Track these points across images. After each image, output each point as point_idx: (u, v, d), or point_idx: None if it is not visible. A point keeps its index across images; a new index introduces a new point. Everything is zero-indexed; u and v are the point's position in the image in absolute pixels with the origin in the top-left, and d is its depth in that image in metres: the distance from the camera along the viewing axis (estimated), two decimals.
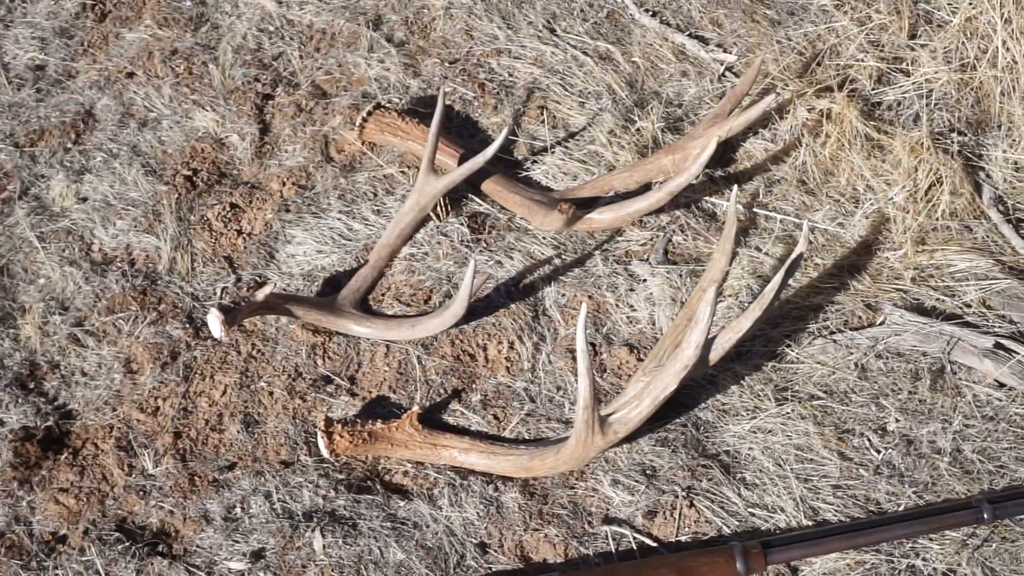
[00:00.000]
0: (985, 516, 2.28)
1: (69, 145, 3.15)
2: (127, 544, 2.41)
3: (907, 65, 3.08)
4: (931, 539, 2.30)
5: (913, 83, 3.03)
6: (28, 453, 2.57)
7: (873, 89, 3.06)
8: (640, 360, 2.62)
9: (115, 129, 3.17)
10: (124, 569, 2.37)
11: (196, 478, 2.53)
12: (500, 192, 2.91)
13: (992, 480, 2.40)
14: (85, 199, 3.04)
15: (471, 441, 2.50)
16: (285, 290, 2.82)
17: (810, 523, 2.36)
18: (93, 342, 2.77)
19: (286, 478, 2.50)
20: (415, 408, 2.53)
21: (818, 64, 3.12)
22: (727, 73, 3.16)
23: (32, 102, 3.25)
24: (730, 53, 3.19)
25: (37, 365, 2.74)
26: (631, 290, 2.76)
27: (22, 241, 2.94)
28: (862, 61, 3.09)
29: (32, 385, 2.71)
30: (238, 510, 2.47)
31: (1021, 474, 2.40)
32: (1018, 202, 2.83)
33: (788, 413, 2.51)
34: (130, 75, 3.29)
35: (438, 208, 2.87)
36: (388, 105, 3.10)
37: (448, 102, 3.12)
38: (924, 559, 2.29)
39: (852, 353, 2.61)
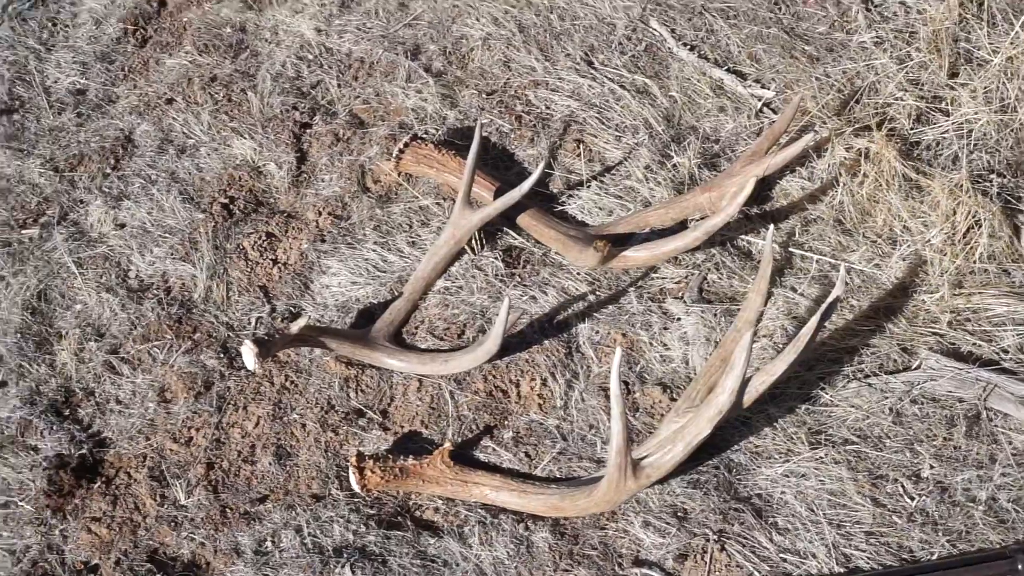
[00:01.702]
0: (1020, 567, 2.26)
1: (108, 171, 3.16)
2: None
3: (947, 105, 3.06)
4: None
5: (952, 123, 3.00)
6: (62, 481, 2.58)
7: (912, 128, 3.03)
8: (673, 400, 2.60)
9: (154, 155, 3.18)
10: None
11: (227, 510, 2.53)
12: (536, 226, 2.90)
13: None
14: (123, 225, 3.05)
15: (502, 479, 2.49)
16: (319, 321, 2.82)
17: (842, 570, 2.34)
18: (128, 370, 2.77)
19: (317, 512, 2.50)
20: (447, 444, 2.53)
21: (857, 102, 3.10)
22: (765, 109, 3.14)
23: (72, 126, 3.27)
24: (768, 89, 3.17)
25: (72, 392, 2.75)
26: (665, 328, 2.74)
27: (60, 266, 2.96)
28: (901, 100, 3.07)
29: (67, 412, 2.72)
30: (269, 544, 2.46)
31: None
32: None
33: (821, 457, 2.49)
34: (169, 101, 3.30)
35: (473, 241, 2.87)
36: (425, 136, 3.09)
37: (485, 134, 3.12)
38: None
39: (887, 397, 2.58)
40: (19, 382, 2.76)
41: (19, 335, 2.84)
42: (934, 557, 2.34)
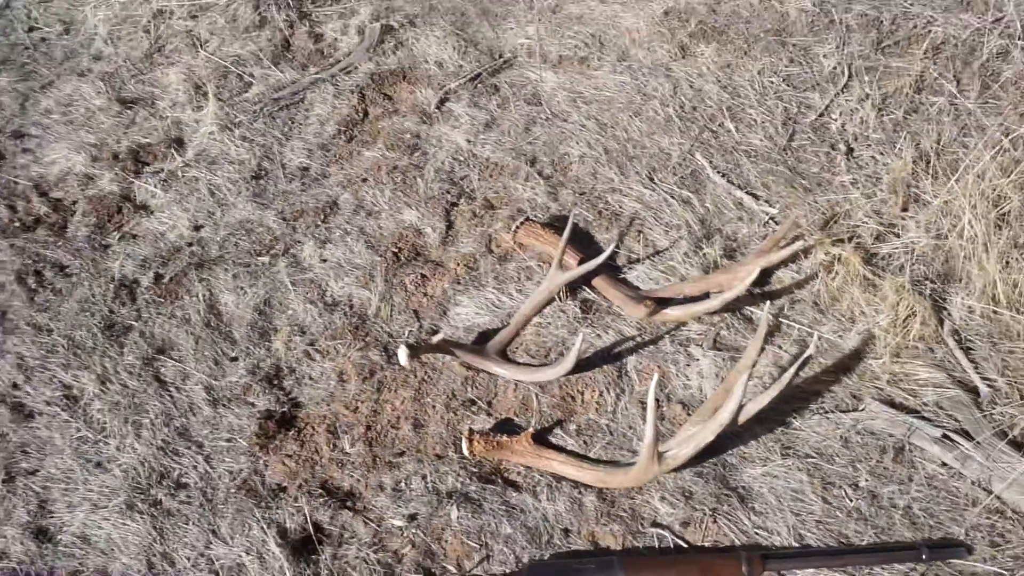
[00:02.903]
0: (923, 557, 2.25)
1: (319, 223, 3.25)
2: (327, 498, 2.48)
3: (898, 230, 3.04)
4: (883, 568, 2.26)
5: (902, 243, 2.99)
6: (268, 428, 2.66)
7: (872, 244, 3.02)
8: (689, 415, 2.62)
9: (350, 215, 3.26)
10: (323, 515, 2.44)
11: (377, 459, 2.58)
12: (604, 287, 2.93)
13: (931, 531, 2.35)
14: (325, 260, 3.13)
15: (566, 457, 2.52)
16: (451, 337, 2.86)
17: (797, 545, 2.33)
18: (319, 357, 2.85)
19: (437, 467, 2.54)
20: (530, 429, 2.56)
21: (835, 222, 3.10)
22: (770, 221, 3.15)
23: (298, 191, 3.36)
24: (774, 207, 3.18)
25: (281, 369, 2.83)
26: (688, 365, 2.75)
27: (280, 284, 3.04)
28: (866, 223, 3.06)
29: (276, 382, 2.80)
30: (403, 485, 2.51)
31: (952, 530, 2.34)
32: (968, 335, 2.77)
33: (789, 465, 2.49)
34: (364, 180, 3.39)
35: (561, 293, 2.90)
36: (534, 219, 3.14)
37: (575, 221, 3.16)
38: None
39: (839, 428, 2.57)
40: (246, 358, 2.84)
41: (249, 327, 2.92)
42: (864, 543, 2.33)
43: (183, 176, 3.40)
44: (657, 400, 2.65)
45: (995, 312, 2.78)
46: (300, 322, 2.94)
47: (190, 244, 3.17)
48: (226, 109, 3.62)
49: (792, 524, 2.37)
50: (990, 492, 2.39)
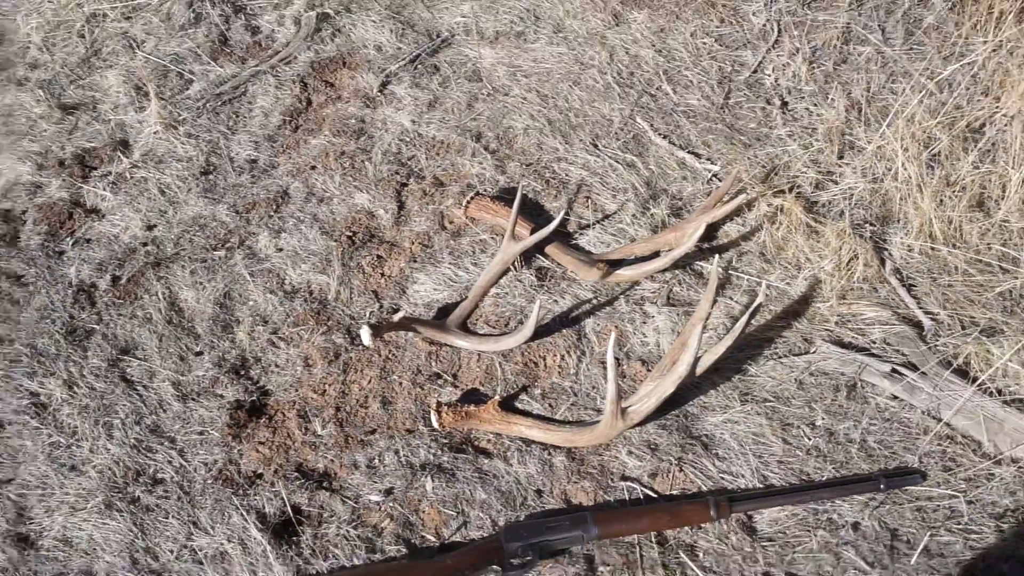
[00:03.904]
0: (882, 487, 2.32)
1: (271, 213, 3.22)
2: (303, 480, 2.48)
3: (836, 177, 3.10)
4: (844, 500, 2.34)
5: (840, 190, 3.05)
6: (239, 417, 2.65)
7: (812, 192, 3.08)
8: (648, 370, 2.66)
9: (302, 203, 3.24)
10: (300, 497, 2.45)
11: (349, 438, 2.59)
12: (557, 254, 2.95)
13: (887, 462, 2.42)
14: (281, 249, 3.11)
15: (533, 421, 2.54)
16: (412, 314, 2.87)
17: (761, 486, 2.39)
18: (284, 345, 2.83)
19: (409, 441, 2.56)
20: (496, 397, 2.58)
21: (775, 174, 3.15)
22: (713, 178, 3.19)
23: (248, 183, 3.32)
24: (715, 164, 3.21)
25: (247, 359, 2.81)
26: (644, 323, 2.79)
27: (239, 276, 3.02)
28: (805, 173, 3.12)
29: (242, 372, 2.78)
30: (376, 461, 2.53)
31: (907, 459, 2.41)
32: (909, 273, 2.84)
33: (748, 411, 2.54)
34: (313, 168, 3.36)
35: (516, 263, 2.92)
36: (484, 192, 3.16)
37: (524, 192, 3.17)
38: (839, 514, 2.32)
39: (793, 371, 2.63)
40: (211, 352, 2.82)
41: (212, 321, 2.90)
42: (824, 478, 2.39)
43: (132, 177, 3.35)
44: (617, 359, 2.68)
45: (933, 249, 2.86)
46: (261, 312, 2.92)
47: (145, 244, 3.13)
48: (169, 108, 3.56)
49: (755, 466, 2.43)
50: (939, 420, 2.47)
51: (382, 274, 3.01)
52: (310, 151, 3.43)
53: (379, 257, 3.06)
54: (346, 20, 3.90)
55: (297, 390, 2.72)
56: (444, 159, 3.36)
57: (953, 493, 2.33)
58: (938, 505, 2.32)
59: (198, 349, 2.85)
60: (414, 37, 3.82)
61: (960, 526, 2.28)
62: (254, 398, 2.71)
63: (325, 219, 3.18)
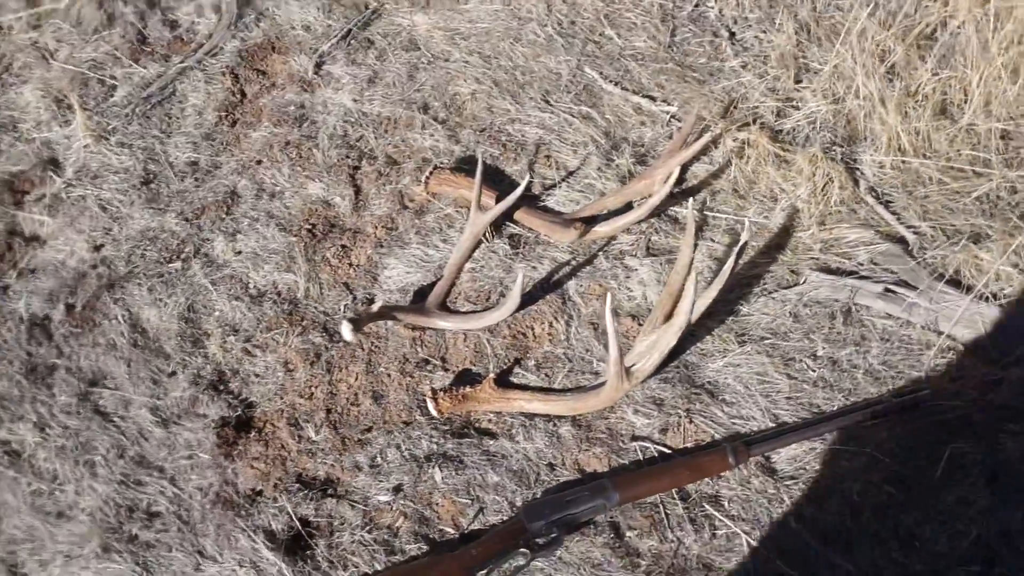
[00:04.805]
0: (893, 409, 2.29)
1: (223, 216, 3.04)
2: (306, 491, 2.37)
3: (797, 103, 3.03)
4: (859, 427, 2.29)
5: (803, 115, 2.97)
6: (227, 435, 2.51)
7: (776, 121, 3.00)
8: (640, 325, 2.58)
9: (254, 201, 3.07)
10: (307, 508, 2.34)
11: (346, 440, 2.48)
12: (528, 218, 2.85)
13: (894, 382, 2.39)
14: (240, 252, 2.95)
15: (532, 394, 2.47)
16: (389, 301, 2.75)
17: (774, 425, 2.34)
18: (260, 352, 2.69)
19: (408, 433, 2.46)
20: (491, 375, 2.49)
21: (734, 108, 3.07)
22: (672, 120, 3.09)
23: (193, 188, 3.14)
24: (672, 105, 3.12)
25: (223, 373, 2.67)
26: (627, 277, 2.71)
27: (200, 287, 2.85)
28: (765, 103, 3.04)
29: (222, 387, 2.64)
30: (379, 459, 2.42)
31: (913, 376, 2.38)
32: (884, 189, 2.80)
33: (748, 351, 2.49)
34: (259, 162, 3.19)
35: (486, 234, 2.82)
36: (442, 165, 3.03)
37: (483, 159, 3.05)
38: (855, 443, 2.28)
39: (786, 305, 2.58)
40: (184, 370, 2.67)
41: (179, 338, 2.74)
42: (835, 408, 2.35)
43: (68, 197, 3.14)
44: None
45: (904, 162, 2.81)
46: (230, 321, 2.77)
47: (94, 267, 2.95)
48: (96, 118, 3.34)
49: (764, 406, 2.38)
50: (940, 333, 2.44)
51: (350, 264, 2.88)
52: (252, 145, 3.25)
53: (344, 247, 2.92)
54: (269, 2, 3.69)
55: (282, 398, 2.59)
56: (394, 135, 3.21)
57: (962, 404, 2.31)
58: (951, 417, 2.29)
59: (170, 370, 2.68)
60: (342, 12, 3.63)
61: (976, 434, 2.25)
62: (239, 413, 2.57)
63: (280, 215, 3.02)
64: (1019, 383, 2.32)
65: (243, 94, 3.44)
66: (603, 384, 2.36)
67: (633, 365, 2.35)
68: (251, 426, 2.55)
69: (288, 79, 3.44)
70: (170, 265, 2.94)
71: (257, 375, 2.65)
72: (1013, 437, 2.24)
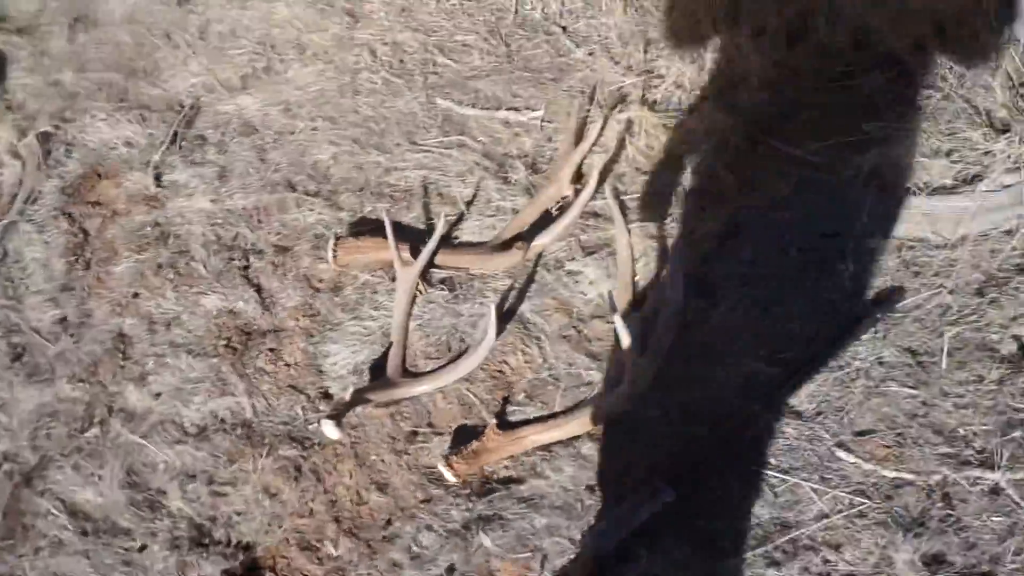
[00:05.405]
0: (879, 316, 2.35)
1: (121, 363, 2.72)
2: None
3: (662, 71, 3.05)
4: (857, 346, 2.33)
5: (671, 82, 3.00)
6: None
7: (648, 94, 3.01)
8: (609, 323, 2.51)
9: (149, 337, 2.76)
10: None
11: (370, 543, 2.27)
12: (454, 258, 2.73)
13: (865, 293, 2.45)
14: (159, 394, 2.64)
15: (539, 425, 2.36)
16: (348, 388, 2.50)
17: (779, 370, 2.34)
18: (231, 489, 2.42)
19: (432, 510, 2.29)
20: (492, 422, 2.36)
21: (601, 94, 3.05)
22: (543, 123, 3.05)
23: (73, 346, 2.78)
24: (538, 110, 3.07)
25: (201, 525, 2.38)
26: (576, 282, 2.65)
27: (130, 445, 2.54)
28: (626, 80, 3.05)
29: (207, 541, 2.35)
30: (414, 548, 2.24)
31: (877, 284, 2.45)
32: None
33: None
34: (135, 295, 2.87)
35: (419, 287, 2.67)
36: (340, 235, 2.83)
37: (375, 216, 2.89)
38: (861, 361, 2.31)
39: None
40: (154, 539, 2.36)
41: (132, 507, 2.42)
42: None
43: None
44: (576, 328, 2.54)
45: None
46: (181, 469, 2.48)
47: None
48: None
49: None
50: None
51: (286, 365, 2.65)
52: (120, 280, 2.93)
53: (272, 350, 2.68)
54: (72, 130, 3.33)
55: (280, 526, 2.34)
56: (271, 223, 2.98)
57: (933, 292, 2.41)
58: (929, 308, 2.38)
59: (139, 544, 2.36)
60: (159, 117, 3.34)
61: (954, 316, 2.35)
62: (240, 559, 2.30)
63: (186, 341, 2.74)
64: (970, 258, 2.44)
65: (85, 232, 3.07)
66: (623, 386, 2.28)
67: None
68: (260, 568, 2.29)
69: (129, 202, 3.12)
70: (85, 435, 2.59)
71: (239, 513, 2.38)
72: (990, 304, 2.36)
